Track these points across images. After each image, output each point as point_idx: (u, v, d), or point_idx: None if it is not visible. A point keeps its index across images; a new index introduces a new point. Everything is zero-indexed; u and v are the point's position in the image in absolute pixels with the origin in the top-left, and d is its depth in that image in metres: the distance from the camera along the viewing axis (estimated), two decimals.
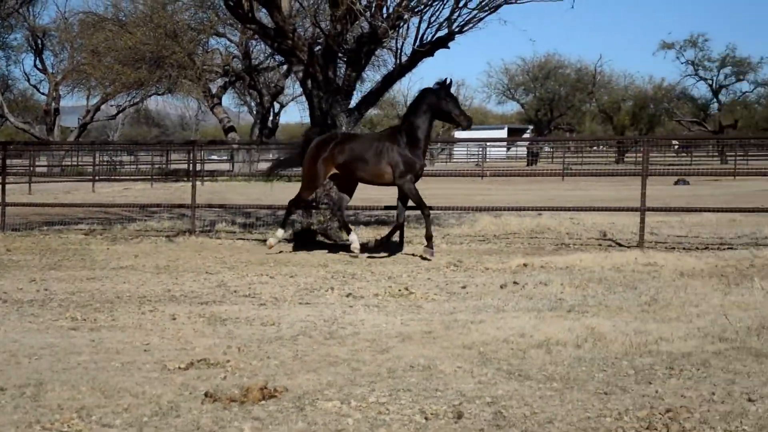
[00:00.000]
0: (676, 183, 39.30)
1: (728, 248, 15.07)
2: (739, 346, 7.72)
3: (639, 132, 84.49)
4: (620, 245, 15.98)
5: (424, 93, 14.83)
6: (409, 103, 15.53)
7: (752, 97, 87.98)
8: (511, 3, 16.81)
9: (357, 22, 17.19)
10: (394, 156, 14.57)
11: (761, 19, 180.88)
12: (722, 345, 7.79)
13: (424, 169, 15.30)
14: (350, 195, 15.37)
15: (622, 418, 5.83)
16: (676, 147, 79.82)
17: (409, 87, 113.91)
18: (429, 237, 14.56)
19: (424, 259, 14.20)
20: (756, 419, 5.74)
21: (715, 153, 72.87)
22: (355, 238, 14.79)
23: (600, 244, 16.15)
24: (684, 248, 15.37)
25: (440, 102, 14.61)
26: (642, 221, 15.88)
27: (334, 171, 14.96)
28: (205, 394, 6.20)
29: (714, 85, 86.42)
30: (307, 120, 21.29)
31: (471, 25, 16.99)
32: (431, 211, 15.11)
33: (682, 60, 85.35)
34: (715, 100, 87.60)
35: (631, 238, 16.45)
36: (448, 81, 14.81)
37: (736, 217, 20.18)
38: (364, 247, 14.87)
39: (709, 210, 20.36)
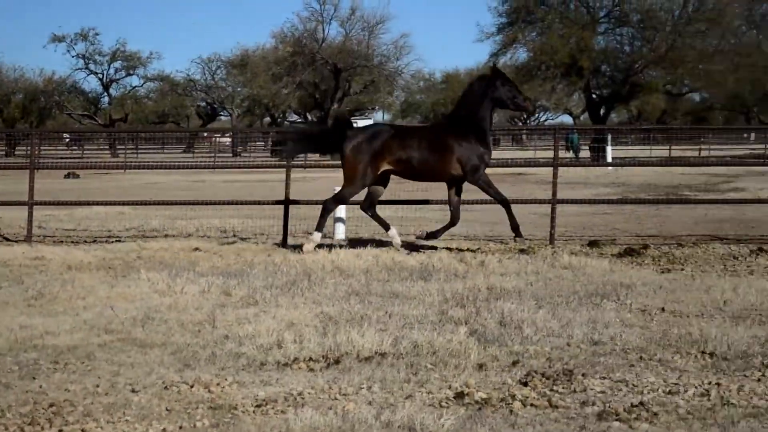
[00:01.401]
0: (66, 176, 39.13)
1: (116, 241, 15.30)
2: (124, 338, 7.91)
3: (30, 125, 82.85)
4: (8, 240, 15.58)
5: (484, 81, 13.83)
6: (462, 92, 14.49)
7: (142, 91, 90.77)
8: None
9: None
10: (463, 150, 13.46)
11: (151, 14, 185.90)
12: (108, 337, 7.93)
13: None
14: (384, 187, 14.03)
15: (5, 415, 5.75)
16: (67, 140, 79.74)
17: None
18: (515, 227, 13.53)
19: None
20: (139, 409, 5.93)
21: (106, 146, 73.91)
22: (395, 233, 13.78)
23: None
24: (73, 242, 15.34)
25: (502, 89, 13.55)
26: (30, 215, 15.57)
27: (386, 168, 13.55)
28: None
29: (105, 79, 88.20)
30: None
31: None
32: None
33: (72, 53, 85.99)
34: (105, 93, 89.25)
35: (19, 232, 16.09)
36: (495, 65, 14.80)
37: (125, 210, 20.57)
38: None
39: (98, 203, 20.48)
